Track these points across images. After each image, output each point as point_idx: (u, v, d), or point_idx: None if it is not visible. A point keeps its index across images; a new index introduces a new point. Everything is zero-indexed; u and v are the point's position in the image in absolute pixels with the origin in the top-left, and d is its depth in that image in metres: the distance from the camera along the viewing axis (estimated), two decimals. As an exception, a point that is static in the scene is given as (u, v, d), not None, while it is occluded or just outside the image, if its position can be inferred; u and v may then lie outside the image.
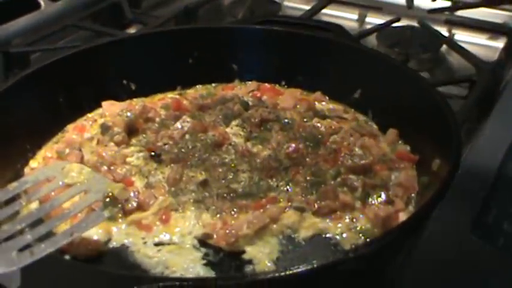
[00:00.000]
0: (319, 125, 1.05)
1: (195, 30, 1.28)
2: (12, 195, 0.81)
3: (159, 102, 1.15)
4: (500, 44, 1.51)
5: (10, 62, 1.38)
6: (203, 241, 0.86)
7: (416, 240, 0.83)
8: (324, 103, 1.15)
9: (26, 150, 1.02)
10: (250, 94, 1.17)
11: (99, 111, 1.12)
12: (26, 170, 0.99)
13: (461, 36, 1.59)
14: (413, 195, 0.92)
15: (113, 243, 0.86)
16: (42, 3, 1.54)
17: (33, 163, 1.01)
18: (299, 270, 0.66)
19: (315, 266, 0.66)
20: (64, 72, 1.11)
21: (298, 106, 1.12)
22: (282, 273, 0.66)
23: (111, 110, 1.10)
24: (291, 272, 0.66)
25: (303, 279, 0.66)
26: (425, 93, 1.00)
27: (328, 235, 0.87)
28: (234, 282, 0.66)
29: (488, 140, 1.08)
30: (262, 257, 0.83)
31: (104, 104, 1.11)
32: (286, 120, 1.08)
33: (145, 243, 0.86)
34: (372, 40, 1.53)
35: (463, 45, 1.44)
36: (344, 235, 0.87)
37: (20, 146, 1.01)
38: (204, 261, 0.83)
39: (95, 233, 0.86)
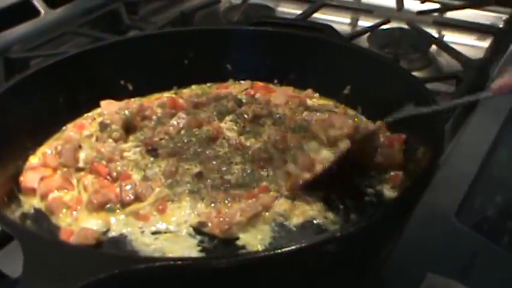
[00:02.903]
0: (309, 117, 1.09)
1: (190, 32, 1.32)
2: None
3: (155, 101, 1.19)
4: (487, 44, 1.54)
5: (10, 67, 1.41)
6: (198, 229, 0.89)
7: (401, 225, 0.86)
8: (315, 99, 1.19)
9: (27, 148, 1.05)
10: (244, 92, 1.21)
11: (98, 110, 1.15)
12: (26, 165, 1.02)
13: (450, 37, 1.62)
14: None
15: (112, 233, 0.90)
16: (41, 10, 1.57)
17: (33, 159, 1.04)
18: (287, 248, 0.69)
19: (302, 245, 0.69)
20: (64, 73, 1.14)
21: (289, 102, 1.16)
22: (271, 252, 0.69)
23: (109, 109, 1.13)
24: (279, 251, 0.69)
25: (290, 258, 0.69)
26: (411, 88, 1.03)
27: (318, 221, 0.91)
28: (225, 261, 0.69)
29: (474, 132, 1.11)
30: (255, 243, 0.86)
31: (103, 103, 1.15)
32: (278, 115, 1.11)
33: (142, 232, 0.89)
34: (363, 42, 1.56)
35: (451, 45, 1.47)
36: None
37: (21, 144, 1.04)
38: (199, 248, 0.86)
39: (94, 224, 0.90)
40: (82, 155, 1.03)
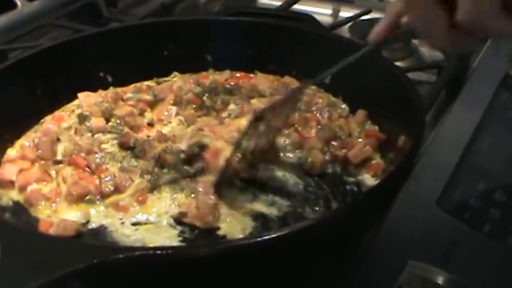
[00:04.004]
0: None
1: (169, 23, 1.30)
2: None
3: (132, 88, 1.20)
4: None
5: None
6: (179, 220, 0.89)
7: (382, 213, 0.86)
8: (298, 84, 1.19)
9: (5, 140, 1.04)
10: (228, 81, 1.21)
11: (76, 102, 1.14)
12: (4, 157, 1.01)
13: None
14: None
15: (92, 225, 0.89)
16: (18, 2, 1.55)
17: (11, 151, 1.03)
18: (267, 237, 0.68)
19: (282, 233, 0.69)
20: (42, 65, 1.13)
21: (274, 87, 1.17)
22: (251, 240, 0.69)
23: (87, 101, 1.12)
24: (259, 239, 0.69)
25: (270, 246, 0.69)
26: (392, 76, 1.03)
27: (299, 210, 0.90)
28: (205, 250, 0.68)
29: (456, 121, 1.11)
30: (235, 232, 0.86)
31: (80, 95, 1.14)
32: (267, 94, 1.14)
33: (123, 223, 0.89)
34: (344, 32, 1.56)
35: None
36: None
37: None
38: (180, 238, 0.86)
39: (73, 215, 0.89)
40: (60, 148, 1.02)
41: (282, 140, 1.02)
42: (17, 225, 0.86)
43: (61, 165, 0.99)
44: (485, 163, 1.02)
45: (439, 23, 0.70)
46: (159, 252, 0.67)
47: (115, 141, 1.03)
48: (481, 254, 0.81)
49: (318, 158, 0.97)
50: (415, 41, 1.53)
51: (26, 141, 1.04)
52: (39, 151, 1.00)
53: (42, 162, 0.99)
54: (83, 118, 1.07)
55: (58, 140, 1.04)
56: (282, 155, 1.00)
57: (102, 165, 0.98)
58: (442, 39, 0.72)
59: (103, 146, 1.02)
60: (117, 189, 0.92)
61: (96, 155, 0.99)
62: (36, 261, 0.66)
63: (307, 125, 1.04)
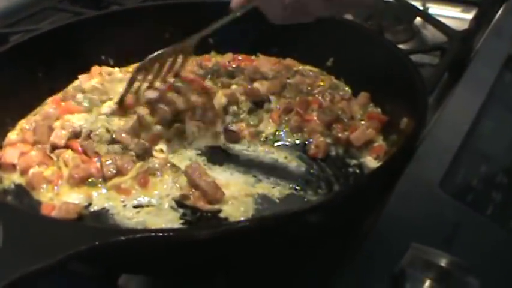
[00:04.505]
0: (301, 80, 1.12)
1: (170, 5, 1.29)
2: None
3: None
4: (471, 15, 1.53)
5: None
6: (181, 202, 0.89)
7: (384, 195, 0.85)
8: (300, 66, 1.19)
9: (6, 124, 1.04)
10: (230, 63, 1.21)
11: (76, 83, 1.14)
12: (5, 141, 1.01)
13: (435, 9, 1.61)
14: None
15: (94, 207, 0.89)
16: (19, -14, 1.55)
17: (11, 135, 1.03)
18: (269, 218, 0.68)
19: (284, 214, 0.69)
20: (43, 48, 1.13)
21: (276, 68, 1.17)
22: (253, 222, 0.69)
23: (87, 82, 1.12)
24: (261, 220, 0.69)
25: (272, 228, 0.69)
26: (395, 59, 1.02)
27: (301, 193, 0.90)
28: (207, 232, 0.68)
29: (459, 103, 1.10)
30: (237, 215, 0.86)
31: (81, 77, 1.14)
32: (270, 77, 1.13)
33: (124, 206, 0.89)
34: (347, 15, 1.55)
35: (436, 17, 1.46)
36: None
37: (1, 119, 1.03)
38: (182, 221, 0.86)
39: (75, 198, 0.89)
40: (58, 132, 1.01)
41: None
42: (20, 208, 0.86)
43: (61, 149, 0.98)
44: (487, 146, 1.02)
45: (274, 2, 0.81)
46: (160, 234, 0.67)
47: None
48: (483, 237, 0.81)
49: (321, 143, 0.97)
50: (417, 23, 1.53)
51: (26, 124, 1.04)
52: (36, 136, 1.00)
53: (39, 146, 0.98)
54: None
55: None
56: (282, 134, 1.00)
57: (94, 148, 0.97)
58: (278, 15, 0.83)
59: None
60: (119, 172, 0.92)
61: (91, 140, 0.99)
62: (39, 244, 0.66)
63: (308, 108, 1.04)
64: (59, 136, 0.98)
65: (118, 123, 1.00)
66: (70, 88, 1.13)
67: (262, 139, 1.01)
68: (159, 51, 1.05)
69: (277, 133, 1.02)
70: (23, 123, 1.05)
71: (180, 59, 1.09)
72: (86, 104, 1.06)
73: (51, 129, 1.00)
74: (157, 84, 1.07)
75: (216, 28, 1.02)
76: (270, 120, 1.03)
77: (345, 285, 0.74)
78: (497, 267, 0.76)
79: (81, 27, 1.20)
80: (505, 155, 1.00)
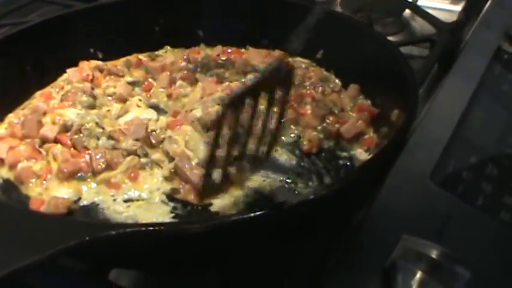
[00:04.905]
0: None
1: (159, -2, 1.29)
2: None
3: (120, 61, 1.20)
4: (460, 7, 1.54)
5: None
6: (171, 196, 0.88)
7: (376, 187, 0.85)
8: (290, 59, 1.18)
9: (-5, 117, 1.03)
10: (220, 56, 1.20)
11: (65, 77, 1.13)
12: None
13: (424, 1, 1.61)
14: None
15: (83, 202, 0.88)
16: (7, -22, 1.54)
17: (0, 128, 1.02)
18: (260, 212, 0.68)
19: (275, 208, 0.68)
20: (31, 42, 1.12)
21: (266, 61, 1.16)
22: (244, 216, 0.68)
23: (76, 76, 1.11)
24: (251, 214, 0.68)
25: (263, 222, 0.68)
26: (385, 51, 1.02)
27: (292, 185, 0.90)
28: (198, 226, 0.67)
29: (448, 95, 1.10)
30: (228, 208, 0.86)
31: (69, 70, 1.13)
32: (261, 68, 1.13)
33: (114, 200, 0.88)
34: (336, 7, 1.55)
35: (425, 9, 1.46)
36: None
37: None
38: (173, 215, 0.85)
39: (64, 192, 0.89)
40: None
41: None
42: (8, 204, 0.85)
43: (50, 144, 0.97)
44: (477, 137, 1.02)
45: None
46: (151, 228, 0.66)
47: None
48: (474, 228, 0.81)
49: (314, 137, 0.96)
50: (406, 15, 1.53)
51: (14, 119, 1.03)
52: (24, 130, 0.99)
53: (28, 140, 0.98)
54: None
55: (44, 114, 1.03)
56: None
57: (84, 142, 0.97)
58: None
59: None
60: (109, 166, 0.92)
61: (81, 134, 0.98)
62: (28, 239, 0.65)
63: (302, 101, 1.03)
64: (49, 130, 0.98)
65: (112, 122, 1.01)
66: (58, 81, 1.12)
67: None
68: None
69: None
70: (11, 118, 1.04)
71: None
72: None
73: (40, 124, 0.99)
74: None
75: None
76: None
77: (337, 278, 0.74)
78: (488, 258, 0.76)
79: (70, 20, 1.19)
80: (495, 146, 1.00)
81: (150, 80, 1.14)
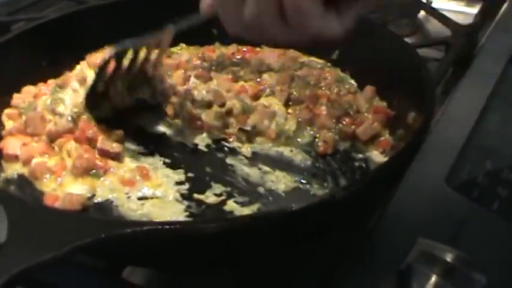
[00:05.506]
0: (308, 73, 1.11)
1: (174, -4, 1.29)
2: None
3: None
4: (476, 10, 1.53)
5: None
6: (185, 195, 0.88)
7: (391, 190, 0.85)
8: (305, 58, 1.19)
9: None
10: (234, 54, 1.20)
11: (77, 70, 1.13)
12: (5, 131, 1.00)
13: (439, 3, 1.61)
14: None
15: (98, 199, 0.88)
16: (22, -26, 1.54)
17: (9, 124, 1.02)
18: (276, 213, 0.68)
19: (291, 209, 0.68)
20: (46, 37, 1.12)
21: (282, 60, 1.16)
22: (260, 216, 0.68)
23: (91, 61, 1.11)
24: (268, 215, 0.68)
25: (279, 222, 0.68)
26: (402, 52, 1.02)
27: (307, 187, 0.90)
28: (214, 225, 0.67)
29: (464, 97, 1.10)
30: (243, 208, 0.85)
31: (82, 63, 1.13)
32: (276, 68, 1.13)
33: (129, 197, 0.88)
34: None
35: (441, 12, 1.46)
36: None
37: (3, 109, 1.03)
38: (187, 213, 0.85)
39: (79, 189, 0.88)
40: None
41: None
42: (25, 200, 0.85)
43: (62, 139, 0.97)
44: (493, 141, 1.02)
45: (234, 19, 0.75)
46: (167, 227, 0.66)
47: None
48: (489, 232, 0.81)
49: (329, 138, 0.96)
50: (421, 17, 1.52)
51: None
52: (29, 128, 0.98)
53: (36, 138, 0.97)
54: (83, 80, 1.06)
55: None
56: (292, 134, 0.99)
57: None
58: (235, 29, 0.77)
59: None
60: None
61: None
62: (44, 236, 0.65)
63: (317, 102, 1.03)
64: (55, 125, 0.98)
65: None
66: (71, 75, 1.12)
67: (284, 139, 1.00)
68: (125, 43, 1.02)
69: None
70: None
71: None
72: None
73: (43, 119, 0.99)
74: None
75: (186, 26, 1.02)
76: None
77: (351, 281, 0.74)
78: (504, 263, 0.75)
79: (85, 16, 1.19)
80: (511, 150, 0.99)
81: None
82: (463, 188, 0.89)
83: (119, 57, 0.97)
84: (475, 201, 0.87)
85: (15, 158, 0.94)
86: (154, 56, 1.03)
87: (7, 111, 1.02)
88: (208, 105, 1.02)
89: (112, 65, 0.97)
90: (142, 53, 1.00)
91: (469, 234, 0.80)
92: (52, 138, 0.96)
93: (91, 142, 0.95)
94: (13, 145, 0.96)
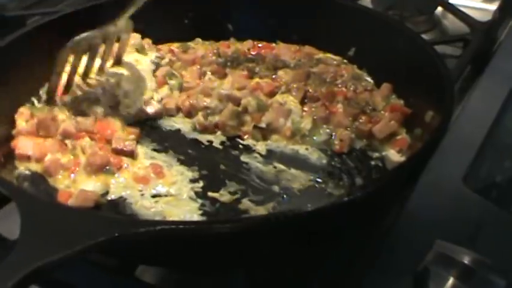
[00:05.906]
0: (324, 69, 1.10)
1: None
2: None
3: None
4: (494, 6, 1.51)
5: (5, 25, 1.37)
6: (200, 193, 0.87)
7: (409, 190, 0.84)
8: (321, 54, 1.18)
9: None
10: (250, 50, 1.19)
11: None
12: (16, 129, 0.98)
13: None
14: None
15: (111, 196, 0.88)
16: (38, -33, 1.54)
17: (21, 122, 0.99)
18: (291, 213, 0.67)
19: (307, 210, 0.67)
20: (62, 31, 1.11)
21: (297, 57, 1.16)
22: (275, 216, 0.67)
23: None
24: (283, 215, 0.67)
25: (294, 223, 0.67)
26: (419, 49, 1.00)
27: (322, 185, 0.89)
28: (229, 225, 0.66)
29: (482, 96, 1.09)
30: (257, 207, 0.85)
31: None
32: (292, 65, 1.12)
33: (142, 195, 0.87)
34: (367, 4, 1.53)
35: (458, 8, 1.44)
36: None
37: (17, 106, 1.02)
38: (201, 212, 0.84)
39: (92, 186, 0.88)
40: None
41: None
42: (38, 197, 0.84)
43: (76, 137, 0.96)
44: (511, 140, 1.00)
45: None
46: (181, 226, 0.65)
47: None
48: (508, 234, 0.80)
49: (345, 137, 0.95)
50: (438, 13, 1.51)
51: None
52: (41, 131, 0.96)
53: (49, 139, 0.95)
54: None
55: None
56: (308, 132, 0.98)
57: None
58: None
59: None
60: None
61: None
62: (58, 234, 0.64)
63: (334, 99, 1.02)
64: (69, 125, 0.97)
65: None
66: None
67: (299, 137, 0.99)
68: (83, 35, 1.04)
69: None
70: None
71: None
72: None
73: (55, 121, 0.97)
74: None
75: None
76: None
77: (367, 281, 0.73)
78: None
79: (100, 10, 1.18)
80: (529, 149, 0.98)
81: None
82: (482, 188, 0.88)
83: (75, 50, 1.02)
84: (494, 202, 0.86)
85: (27, 157, 0.93)
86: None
87: (21, 109, 1.01)
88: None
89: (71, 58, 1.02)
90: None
91: (487, 236, 0.79)
92: (66, 137, 0.96)
93: (107, 140, 0.94)
94: (26, 146, 0.94)
